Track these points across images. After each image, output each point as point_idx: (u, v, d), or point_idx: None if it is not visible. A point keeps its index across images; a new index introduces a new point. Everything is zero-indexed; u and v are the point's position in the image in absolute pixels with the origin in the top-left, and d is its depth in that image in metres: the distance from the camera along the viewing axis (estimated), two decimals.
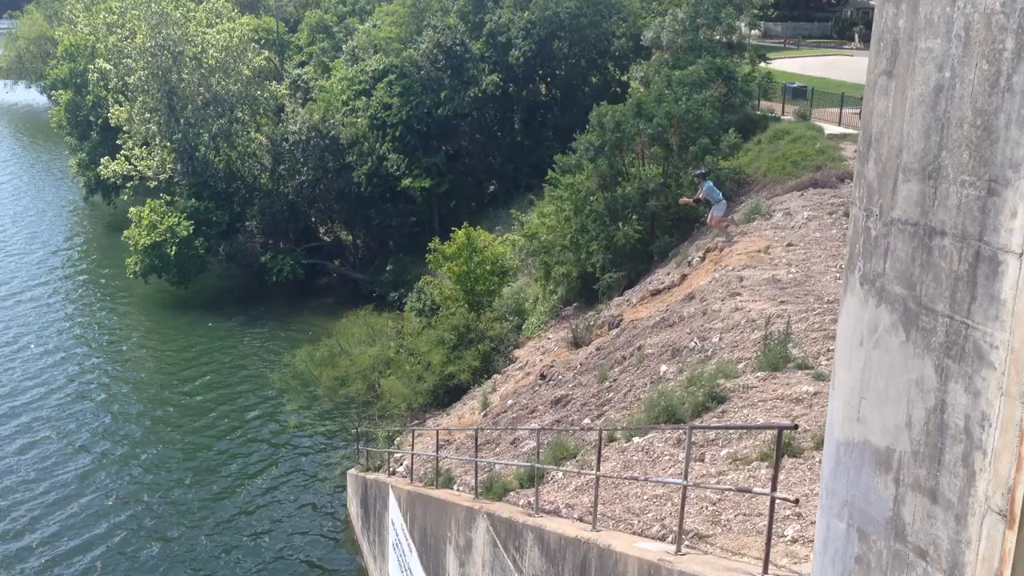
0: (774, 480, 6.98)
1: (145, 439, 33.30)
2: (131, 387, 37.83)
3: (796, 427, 9.06)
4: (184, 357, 41.20)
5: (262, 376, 37.38)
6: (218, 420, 34.75)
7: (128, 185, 54.18)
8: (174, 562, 25.56)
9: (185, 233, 46.00)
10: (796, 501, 7.15)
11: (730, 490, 9.07)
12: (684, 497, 8.20)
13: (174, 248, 45.77)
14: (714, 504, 9.60)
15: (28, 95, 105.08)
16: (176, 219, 46.50)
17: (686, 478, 8.14)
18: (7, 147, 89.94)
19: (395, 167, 47.65)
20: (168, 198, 48.93)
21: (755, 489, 8.43)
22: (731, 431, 11.50)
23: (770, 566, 6.94)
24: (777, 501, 7.03)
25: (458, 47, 48.39)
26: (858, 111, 32.43)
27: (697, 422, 11.99)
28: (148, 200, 48.92)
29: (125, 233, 47.72)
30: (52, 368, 39.07)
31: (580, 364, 21.23)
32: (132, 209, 48.78)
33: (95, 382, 38.18)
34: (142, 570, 25.29)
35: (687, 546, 8.38)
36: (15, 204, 66.92)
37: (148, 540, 26.71)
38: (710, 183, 23.43)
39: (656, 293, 23.32)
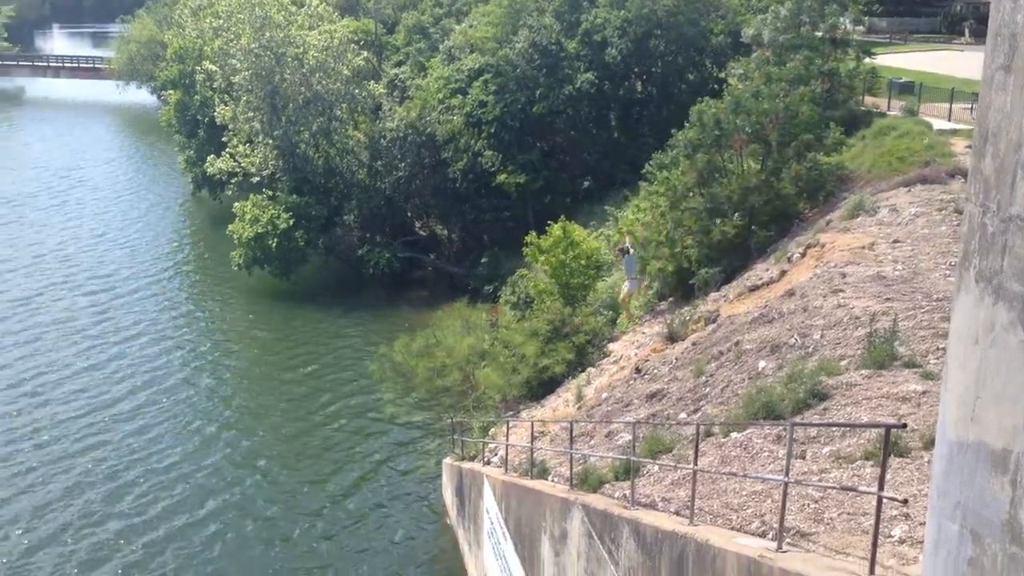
0: (881, 479, 6.91)
1: (249, 424, 34.50)
2: (236, 374, 39.20)
3: (905, 426, 8.89)
4: (286, 346, 42.47)
5: (360, 365, 38.26)
6: (318, 407, 35.73)
7: (233, 181, 56.02)
8: (276, 543, 26.43)
9: (285, 226, 47.36)
10: (905, 501, 7.03)
11: (834, 488, 8.96)
12: (785, 494, 8.16)
13: (275, 241, 47.19)
14: (816, 502, 9.52)
15: (139, 95, 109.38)
16: (277, 213, 47.90)
17: (787, 475, 8.09)
18: (121, 145, 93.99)
19: (490, 163, 48.08)
20: (270, 193, 50.43)
21: (861, 488, 8.34)
22: (833, 429, 11.34)
23: (876, 567, 6.88)
24: (884, 501, 6.96)
25: (553, 46, 48.52)
26: (969, 106, 31.36)
27: (798, 419, 11.86)
28: (251, 195, 50.57)
29: (229, 227, 49.42)
30: (164, 355, 40.81)
31: (675, 359, 21.12)
32: (236, 204, 50.50)
33: (204, 369, 39.70)
34: (245, 547, 26.24)
35: (788, 543, 8.34)
36: (129, 198, 69.88)
37: (251, 520, 27.71)
38: (629, 257, 27.13)
39: (754, 289, 23.03)
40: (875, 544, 6.90)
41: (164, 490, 29.17)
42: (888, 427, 7.22)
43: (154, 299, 47.97)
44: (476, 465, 24.73)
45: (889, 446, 7.54)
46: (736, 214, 26.58)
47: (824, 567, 7.38)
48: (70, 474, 30.01)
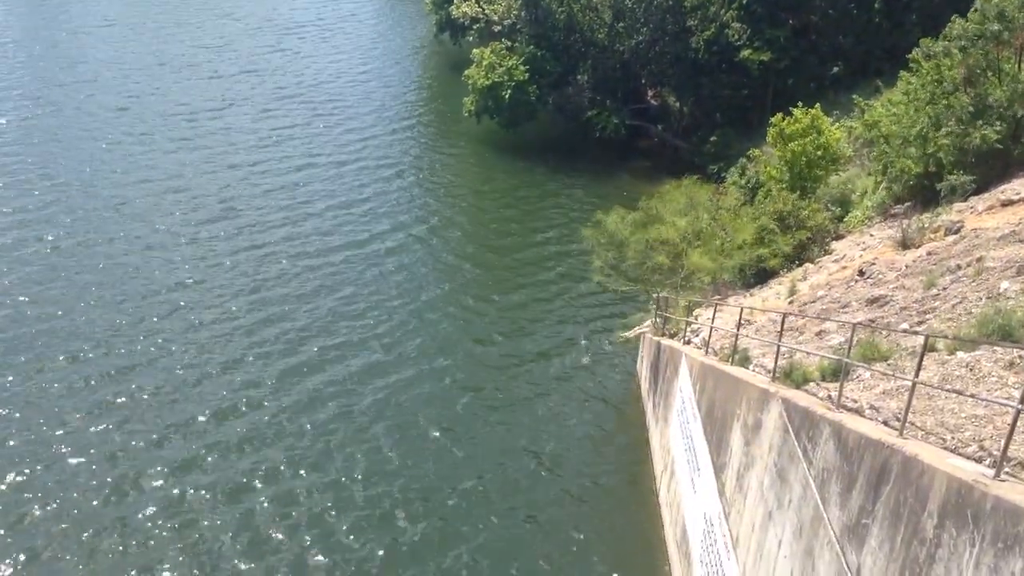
0: None
1: (456, 268, 35.93)
2: (454, 223, 40.58)
3: None
4: (503, 199, 43.42)
5: (575, 228, 38.61)
6: (530, 265, 36.62)
7: (475, 27, 56.50)
8: (484, 401, 27.74)
9: (521, 77, 47.52)
10: None
11: None
12: (1016, 421, 7.58)
13: (509, 92, 47.52)
14: None
15: None
16: (515, 63, 48.06)
17: (1022, 402, 7.49)
18: None
19: (736, 36, 45.77)
20: (509, 43, 50.51)
21: None
22: None
23: None
24: None
25: None
26: None
27: None
28: (491, 43, 50.85)
29: (466, 72, 50.13)
30: (382, 183, 43.09)
31: (906, 267, 19.87)
32: (475, 50, 51.03)
33: (419, 208, 41.51)
34: (454, 407, 27.65)
35: (1007, 473, 7.81)
36: (373, 35, 72.18)
37: (464, 380, 29.20)
38: None
39: (1008, 204, 21.06)
40: None
41: (395, 333, 31.13)
42: None
43: (388, 139, 49.98)
44: (676, 343, 24.66)
45: None
46: (1001, 121, 24.11)
47: None
48: (305, 301, 32.65)
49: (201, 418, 25.33)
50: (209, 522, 21.46)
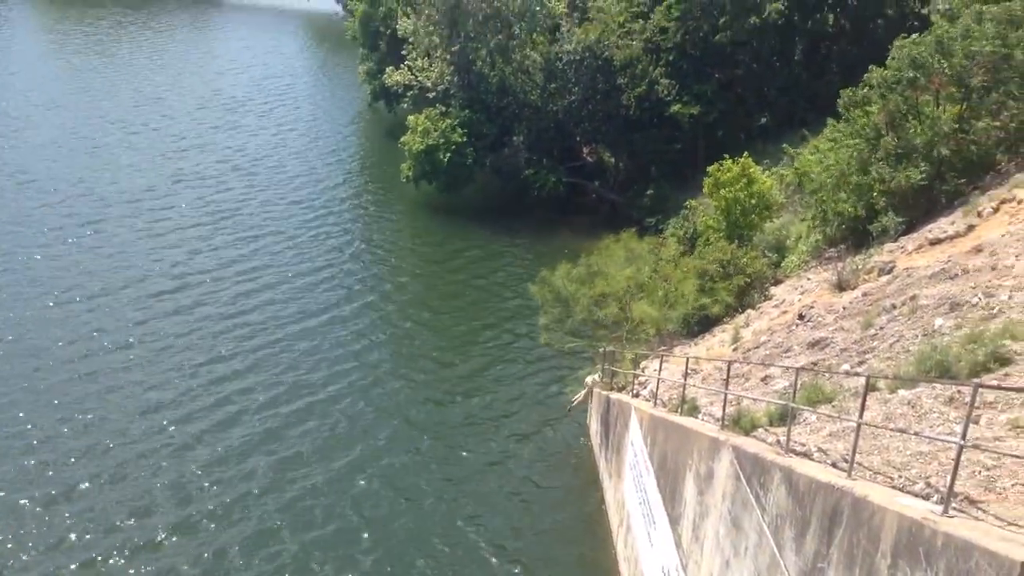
0: None
1: (406, 334, 35.72)
2: (396, 286, 40.51)
3: None
4: (447, 262, 43.52)
5: (518, 286, 38.81)
6: (474, 326, 36.61)
7: (408, 94, 57.05)
8: (429, 454, 27.45)
9: (458, 139, 47.95)
10: None
11: (1019, 457, 8.38)
12: (959, 457, 7.70)
13: (446, 156, 47.91)
14: (988, 470, 8.95)
15: (327, 3, 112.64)
16: (450, 127, 48.57)
17: (964, 438, 7.62)
18: (308, 55, 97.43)
19: (665, 92, 46.89)
20: (443, 108, 51.06)
21: None
22: (1012, 395, 10.60)
23: None
24: None
25: None
26: None
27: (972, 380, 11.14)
28: (426, 108, 51.37)
29: (402, 139, 50.49)
30: (327, 254, 42.87)
31: (843, 308, 20.27)
32: (410, 116, 51.46)
33: (365, 276, 41.34)
34: (397, 451, 27.36)
35: (955, 508, 7.91)
36: (310, 106, 72.52)
37: (402, 425, 28.86)
38: None
39: (936, 242, 21.68)
40: None
41: (319, 382, 30.86)
42: None
43: (324, 204, 49.96)
44: (624, 396, 24.72)
45: None
46: (924, 161, 24.93)
47: (996, 538, 6.95)
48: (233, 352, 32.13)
49: (160, 497, 24.61)
50: None
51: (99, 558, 22.19)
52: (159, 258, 41.02)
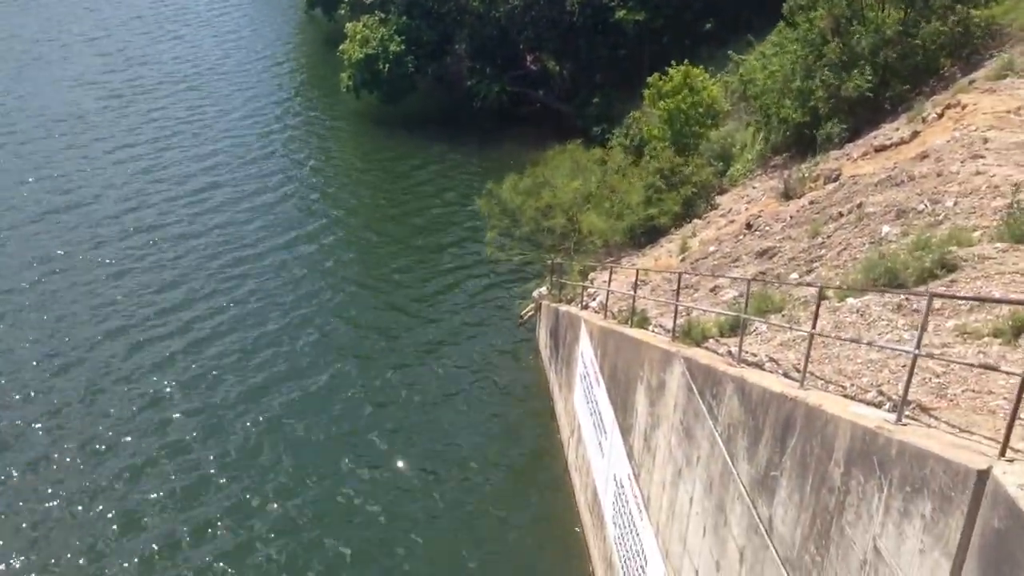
0: None
1: (349, 252, 35.24)
2: (337, 204, 39.78)
3: None
4: (389, 174, 42.77)
5: (463, 199, 38.34)
6: (420, 241, 36.17)
7: (346, 1, 55.11)
8: (374, 372, 27.36)
9: (396, 49, 46.67)
10: None
11: (970, 365, 8.47)
12: (913, 365, 7.74)
13: (386, 65, 46.66)
14: (938, 377, 9.07)
15: None
16: (388, 34, 47.19)
17: (918, 347, 7.64)
18: None
19: None
20: (382, 15, 49.52)
21: (1003, 368, 7.85)
22: (960, 302, 10.71)
23: (1008, 450, 6.50)
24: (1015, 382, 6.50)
25: None
26: None
27: (922, 289, 11.26)
28: (364, 15, 49.79)
29: (340, 47, 49.00)
30: (268, 170, 41.95)
31: (790, 217, 20.36)
32: (348, 24, 49.87)
33: (306, 187, 40.56)
34: (344, 379, 27.25)
35: (908, 417, 8.00)
36: (241, 13, 69.81)
37: (353, 337, 28.71)
38: None
39: (882, 149, 21.76)
40: (1011, 426, 6.50)
41: (267, 320, 30.39)
42: None
43: (261, 117, 48.56)
44: (574, 308, 24.75)
45: None
46: (869, 67, 24.87)
47: (948, 444, 7.03)
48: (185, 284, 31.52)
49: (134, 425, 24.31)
50: None
51: (50, 493, 21.96)
52: (107, 178, 39.77)
